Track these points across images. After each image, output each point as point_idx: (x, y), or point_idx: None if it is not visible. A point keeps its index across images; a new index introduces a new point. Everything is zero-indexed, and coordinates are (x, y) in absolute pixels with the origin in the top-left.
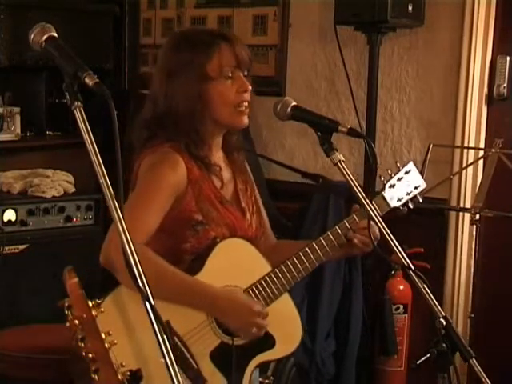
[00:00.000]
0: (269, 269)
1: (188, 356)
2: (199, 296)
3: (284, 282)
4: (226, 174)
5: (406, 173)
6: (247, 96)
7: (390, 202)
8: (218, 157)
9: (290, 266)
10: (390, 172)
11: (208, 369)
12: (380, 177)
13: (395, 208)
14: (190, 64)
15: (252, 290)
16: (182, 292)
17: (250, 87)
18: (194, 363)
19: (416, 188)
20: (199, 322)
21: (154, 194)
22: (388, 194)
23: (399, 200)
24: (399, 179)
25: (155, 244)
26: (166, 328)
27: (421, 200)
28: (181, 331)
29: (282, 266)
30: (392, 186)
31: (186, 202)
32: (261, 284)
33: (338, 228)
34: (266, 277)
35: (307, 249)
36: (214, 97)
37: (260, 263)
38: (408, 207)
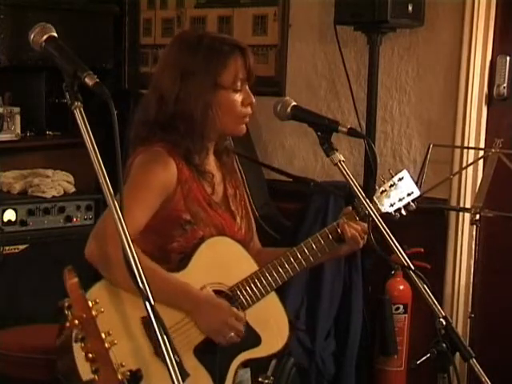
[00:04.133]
0: (255, 268)
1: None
2: (181, 298)
3: (271, 280)
4: (217, 177)
5: (400, 179)
6: (251, 109)
7: (381, 207)
8: (210, 162)
9: (277, 266)
10: (382, 178)
11: (191, 363)
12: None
13: (387, 213)
14: (205, 69)
15: (238, 287)
16: (165, 293)
17: (254, 101)
18: (176, 356)
19: (409, 195)
20: (184, 316)
21: (143, 192)
22: (380, 199)
23: (391, 205)
24: (392, 185)
25: (144, 243)
26: (167, 328)
27: (414, 207)
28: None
29: (270, 266)
30: (384, 191)
31: (175, 201)
32: (247, 282)
33: (327, 230)
34: (253, 275)
35: (295, 249)
36: (222, 106)
37: (247, 262)
38: (401, 213)
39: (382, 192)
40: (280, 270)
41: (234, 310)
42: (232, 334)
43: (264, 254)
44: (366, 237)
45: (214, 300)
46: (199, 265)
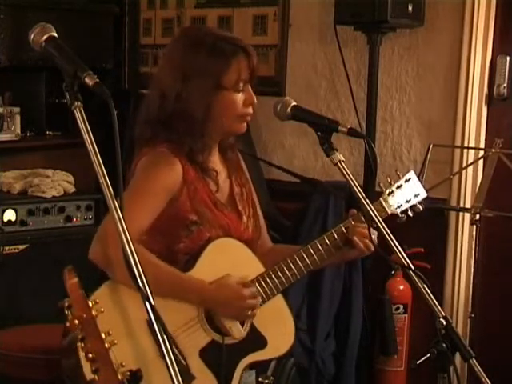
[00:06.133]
0: (262, 270)
1: (176, 352)
2: (191, 289)
3: (277, 283)
4: (222, 174)
5: (406, 181)
6: (252, 109)
7: (388, 208)
8: (215, 160)
9: (284, 268)
10: (389, 179)
11: (197, 366)
12: (379, 184)
13: (394, 215)
14: (207, 70)
15: None
16: (174, 286)
17: (255, 101)
18: (182, 359)
19: (416, 196)
20: (189, 318)
21: (148, 193)
22: (387, 200)
23: (398, 207)
24: (399, 187)
25: (150, 244)
26: (167, 329)
27: (421, 208)
28: (170, 327)
29: (276, 268)
30: (391, 193)
31: (181, 202)
32: (253, 284)
33: (334, 232)
34: (259, 277)
35: (302, 251)
36: (223, 107)
37: (253, 264)
38: (407, 215)
39: (390, 193)
40: (287, 272)
41: (244, 291)
42: (250, 312)
43: (275, 251)
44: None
45: (220, 288)
46: (206, 266)
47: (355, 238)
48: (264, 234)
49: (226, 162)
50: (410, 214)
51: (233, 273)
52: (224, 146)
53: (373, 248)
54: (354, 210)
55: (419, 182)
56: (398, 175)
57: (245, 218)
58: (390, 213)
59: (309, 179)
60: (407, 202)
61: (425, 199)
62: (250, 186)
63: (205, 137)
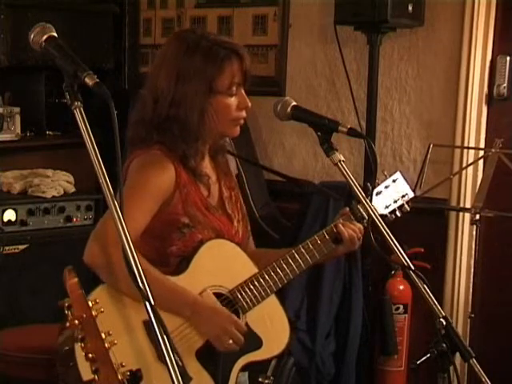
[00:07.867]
0: (255, 270)
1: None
2: (180, 302)
3: (271, 283)
4: (212, 178)
5: (394, 181)
6: (245, 113)
7: (377, 209)
8: (205, 164)
9: (277, 269)
10: (377, 180)
11: (194, 367)
12: (367, 184)
13: (382, 215)
14: (201, 73)
15: (238, 290)
16: (163, 297)
17: (249, 104)
18: (179, 360)
19: (403, 196)
20: (184, 320)
21: (142, 195)
22: (375, 201)
23: (386, 207)
24: (386, 187)
25: (143, 246)
26: (167, 328)
27: (408, 209)
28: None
29: (269, 268)
30: (379, 193)
31: (173, 205)
32: (247, 285)
33: (325, 232)
34: (253, 278)
35: (294, 251)
36: (217, 111)
37: (247, 265)
38: (395, 215)
39: (377, 194)
40: (280, 272)
41: (234, 317)
42: (230, 341)
43: (258, 255)
44: (361, 237)
45: (213, 306)
46: (199, 268)
47: (340, 226)
48: (249, 238)
49: (216, 166)
50: (398, 214)
51: (226, 273)
52: (215, 150)
53: (358, 243)
54: (346, 209)
55: (406, 182)
56: (385, 175)
57: (235, 222)
58: (378, 213)
59: (300, 181)
60: (395, 202)
61: (424, 199)
62: (238, 190)
63: (198, 141)
